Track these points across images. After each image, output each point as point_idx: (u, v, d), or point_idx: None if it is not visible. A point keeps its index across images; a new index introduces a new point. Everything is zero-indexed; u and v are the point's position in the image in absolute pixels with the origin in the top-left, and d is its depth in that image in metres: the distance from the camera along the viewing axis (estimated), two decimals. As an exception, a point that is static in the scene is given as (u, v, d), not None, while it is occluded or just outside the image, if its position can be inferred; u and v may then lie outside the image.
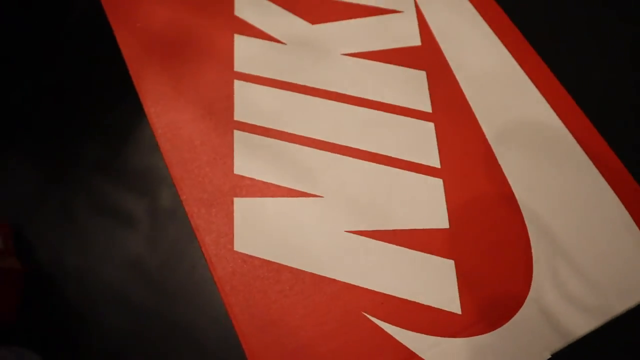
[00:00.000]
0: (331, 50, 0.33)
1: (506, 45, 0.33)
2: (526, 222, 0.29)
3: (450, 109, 0.31)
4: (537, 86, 0.32)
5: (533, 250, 0.28)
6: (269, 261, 0.29)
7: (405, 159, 0.30)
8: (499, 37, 0.33)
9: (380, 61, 0.33)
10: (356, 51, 0.33)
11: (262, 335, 0.27)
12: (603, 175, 0.30)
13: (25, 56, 0.48)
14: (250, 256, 0.29)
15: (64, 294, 0.40)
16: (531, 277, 0.28)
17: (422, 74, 0.32)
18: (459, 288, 0.28)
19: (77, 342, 0.39)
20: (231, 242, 0.29)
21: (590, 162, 0.30)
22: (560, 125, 0.31)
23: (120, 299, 0.39)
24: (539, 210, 0.29)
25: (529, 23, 0.34)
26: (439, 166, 0.30)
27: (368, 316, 0.27)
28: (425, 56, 0.33)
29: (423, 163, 0.30)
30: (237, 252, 0.29)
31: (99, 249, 0.41)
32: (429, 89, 0.32)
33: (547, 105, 0.31)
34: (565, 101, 0.32)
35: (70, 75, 0.47)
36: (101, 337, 0.38)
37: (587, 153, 0.30)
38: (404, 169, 0.30)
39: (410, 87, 0.32)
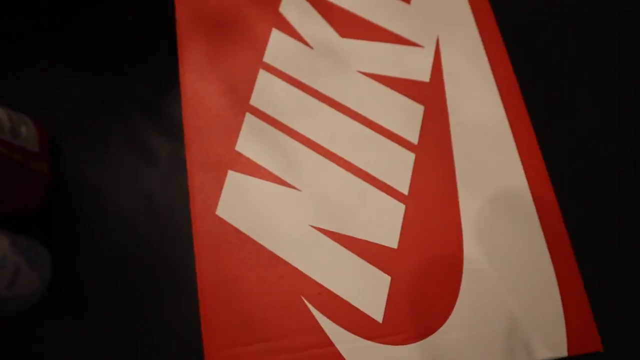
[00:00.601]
0: (350, 65, 0.37)
1: (505, 107, 0.36)
2: (464, 261, 0.32)
3: (434, 146, 0.35)
4: (519, 152, 0.35)
5: (461, 289, 0.32)
6: (240, 231, 0.34)
7: (380, 178, 0.34)
8: (502, 97, 0.36)
9: (388, 86, 0.37)
10: (371, 72, 0.37)
11: (216, 287, 0.33)
12: (548, 245, 0.33)
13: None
14: (227, 222, 0.34)
15: (79, 206, 0.47)
16: (451, 311, 0.32)
17: (420, 108, 0.36)
18: (387, 301, 0.32)
19: (79, 249, 0.45)
20: (215, 206, 0.34)
21: (540, 231, 0.33)
22: (527, 193, 0.34)
23: (124, 224, 0.46)
24: (480, 257, 0.32)
25: (535, 90, 0.36)
26: (406, 193, 0.34)
27: (305, 301, 0.32)
28: (429, 93, 0.36)
29: (394, 187, 0.34)
30: (217, 216, 0.34)
31: (120, 175, 0.47)
32: (422, 123, 0.35)
33: (522, 172, 0.34)
34: (539, 173, 0.34)
35: (127, 20, 0.53)
36: (100, 251, 0.45)
37: (541, 223, 0.33)
38: (376, 187, 0.34)
39: (406, 117, 0.36)
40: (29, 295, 0.45)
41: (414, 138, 0.35)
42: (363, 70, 0.37)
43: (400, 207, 0.34)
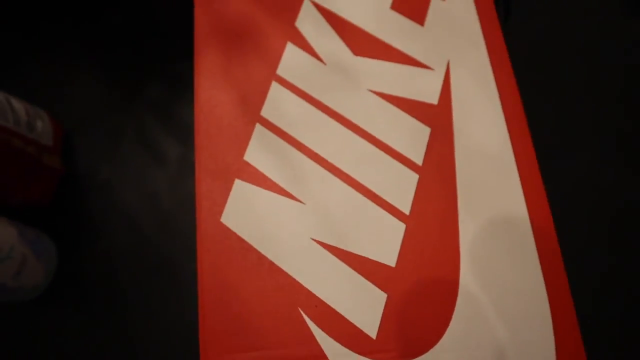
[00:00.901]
0: (361, 82, 0.38)
1: (511, 134, 0.36)
2: (460, 284, 0.33)
3: (437, 168, 0.36)
4: (521, 180, 0.35)
5: (455, 312, 0.32)
6: (243, 239, 0.34)
7: (383, 196, 0.35)
8: (508, 124, 0.37)
9: (396, 106, 0.37)
10: (380, 91, 0.38)
11: (217, 292, 0.33)
12: (543, 274, 0.33)
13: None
14: (231, 230, 0.35)
15: (88, 201, 0.48)
16: (444, 333, 0.32)
17: (427, 130, 0.36)
18: (382, 318, 0.32)
19: (85, 244, 0.47)
20: (220, 213, 0.35)
21: (537, 260, 0.33)
22: (527, 221, 0.34)
23: (130, 222, 0.47)
24: (476, 281, 0.33)
25: (541, 119, 0.37)
26: (408, 213, 0.35)
27: (302, 312, 0.33)
28: (436, 116, 0.37)
29: (396, 206, 0.35)
30: (221, 223, 0.35)
31: (129, 173, 0.48)
32: (427, 145, 0.36)
33: (523, 199, 0.35)
34: (540, 202, 0.35)
35: (146, 22, 0.54)
36: (105, 247, 0.46)
37: (538, 252, 0.34)
38: (378, 205, 0.35)
39: (413, 137, 0.36)
40: (34, 287, 0.46)
41: (418, 159, 0.36)
42: (373, 89, 0.38)
43: (401, 227, 0.34)
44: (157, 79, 0.51)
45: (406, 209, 0.35)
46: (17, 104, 0.45)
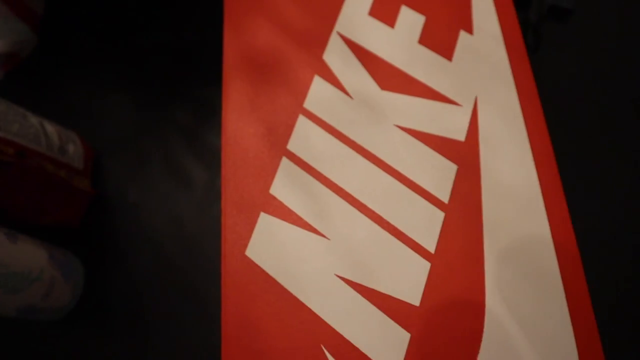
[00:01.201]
0: (388, 118, 0.38)
1: (539, 173, 0.36)
2: (485, 325, 0.33)
3: (464, 207, 0.35)
4: (549, 220, 0.35)
5: (480, 354, 0.32)
6: (267, 274, 0.35)
7: (408, 234, 0.35)
8: (535, 162, 0.36)
9: (423, 142, 0.37)
10: (407, 127, 0.38)
11: (240, 327, 0.34)
12: (572, 319, 0.33)
13: (144, 25, 0.56)
14: (255, 264, 0.35)
15: (116, 224, 0.49)
16: (468, 375, 0.32)
17: (454, 168, 0.36)
18: (405, 358, 0.32)
19: (111, 266, 0.47)
20: (245, 246, 0.36)
21: (565, 303, 0.33)
22: (555, 262, 0.34)
23: (156, 246, 0.47)
24: (502, 323, 0.33)
25: (569, 158, 0.36)
26: (433, 251, 0.34)
27: (324, 350, 0.33)
28: (463, 153, 0.37)
29: (421, 244, 0.35)
30: (246, 256, 0.35)
31: (157, 198, 0.49)
32: (454, 182, 0.36)
33: (551, 240, 0.34)
34: (568, 243, 0.34)
35: (177, 47, 0.55)
36: (131, 270, 0.47)
37: (566, 295, 0.33)
38: (403, 242, 0.35)
39: (439, 174, 0.36)
40: (61, 307, 0.47)
41: (444, 197, 0.36)
42: (400, 125, 0.38)
43: (426, 265, 0.34)
44: (185, 104, 0.52)
45: (431, 247, 0.35)
46: (50, 127, 0.46)
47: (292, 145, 0.38)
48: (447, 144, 0.37)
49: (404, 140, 0.38)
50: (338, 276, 0.34)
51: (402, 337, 0.33)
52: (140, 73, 0.54)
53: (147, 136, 0.51)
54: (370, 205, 0.36)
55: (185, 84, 0.52)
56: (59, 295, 0.46)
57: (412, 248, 0.35)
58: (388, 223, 0.35)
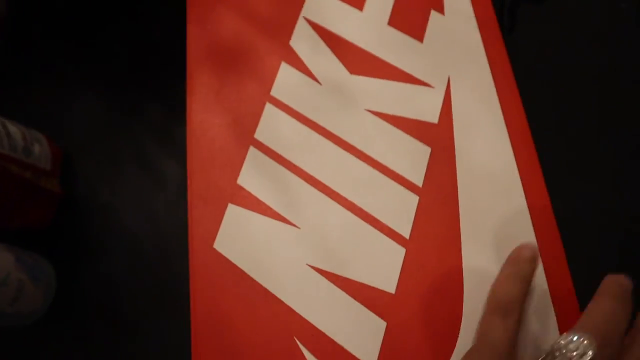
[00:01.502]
0: (358, 102, 0.37)
1: (515, 154, 0.35)
2: (463, 312, 0.31)
3: (439, 190, 0.34)
4: (528, 202, 0.33)
5: (459, 341, 0.31)
6: (236, 266, 0.33)
7: (382, 220, 0.33)
8: (512, 143, 0.35)
9: (395, 126, 0.36)
10: (378, 110, 0.36)
11: (209, 321, 0.32)
12: (553, 301, 0.31)
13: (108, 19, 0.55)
14: (224, 257, 0.34)
15: (86, 224, 0.47)
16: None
17: (427, 150, 0.35)
18: (381, 348, 0.31)
19: (83, 267, 0.46)
20: (213, 239, 0.34)
21: (546, 286, 0.31)
22: (534, 242, 0.33)
23: (128, 245, 0.46)
24: (481, 309, 0.31)
25: (548, 137, 0.35)
26: (408, 237, 0.33)
27: (298, 342, 0.31)
28: (437, 135, 0.35)
29: (395, 229, 0.33)
30: (214, 250, 0.34)
31: (127, 196, 0.48)
32: (428, 165, 0.35)
33: (530, 223, 0.33)
34: (548, 226, 0.33)
35: (142, 43, 0.54)
36: (103, 271, 0.45)
37: (547, 280, 0.32)
38: (377, 229, 0.33)
39: (412, 158, 0.35)
40: (32, 312, 0.45)
41: (418, 180, 0.34)
42: (371, 109, 0.37)
43: (401, 251, 0.33)
44: (154, 100, 0.50)
45: (406, 233, 0.33)
46: (13, 128, 0.45)
47: (259, 134, 0.37)
48: (420, 127, 0.36)
49: (375, 125, 0.36)
50: (310, 266, 0.33)
51: (378, 326, 0.31)
52: (106, 71, 0.53)
53: (116, 134, 0.50)
54: (341, 192, 0.35)
55: (153, 80, 0.51)
56: (29, 300, 0.44)
57: (386, 234, 0.33)
58: (360, 209, 0.34)
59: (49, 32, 0.55)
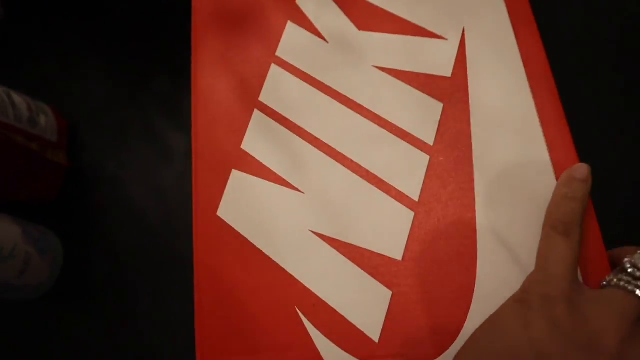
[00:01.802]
0: (366, 59, 0.34)
1: (537, 105, 0.31)
2: (476, 282, 0.29)
3: (451, 149, 0.31)
4: (551, 158, 0.30)
5: (470, 314, 0.28)
6: (239, 233, 0.32)
7: (390, 182, 0.31)
8: (533, 91, 0.31)
9: (405, 82, 0.33)
10: (387, 67, 0.34)
11: (213, 291, 0.31)
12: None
13: None
14: (227, 224, 0.32)
15: (93, 197, 0.48)
16: (456, 338, 0.28)
17: (439, 106, 0.32)
18: (385, 319, 0.29)
19: (90, 240, 0.46)
20: (217, 206, 0.33)
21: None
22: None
23: (135, 217, 0.46)
24: (497, 273, 0.28)
25: (573, 84, 0.32)
26: (417, 199, 0.31)
27: (299, 312, 0.30)
28: (450, 90, 0.33)
29: (404, 192, 0.31)
30: (218, 217, 0.33)
31: (135, 168, 0.48)
32: (440, 122, 0.32)
33: (553, 178, 0.30)
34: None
35: (149, 13, 0.53)
36: (110, 244, 0.45)
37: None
38: (384, 192, 0.31)
39: (423, 115, 0.32)
40: (39, 285, 0.46)
41: (429, 139, 0.32)
42: (379, 65, 0.34)
43: (409, 215, 0.30)
44: (161, 70, 0.50)
45: (415, 195, 0.31)
46: (18, 98, 0.45)
47: (264, 97, 0.35)
48: (432, 82, 0.33)
49: (383, 82, 0.34)
50: (313, 232, 0.31)
51: (383, 296, 0.29)
52: (112, 42, 0.53)
53: (123, 106, 0.50)
54: (347, 154, 0.32)
55: (161, 49, 0.51)
56: (36, 273, 0.44)
57: (393, 197, 0.31)
58: (367, 171, 0.32)
59: (50, 3, 0.56)
